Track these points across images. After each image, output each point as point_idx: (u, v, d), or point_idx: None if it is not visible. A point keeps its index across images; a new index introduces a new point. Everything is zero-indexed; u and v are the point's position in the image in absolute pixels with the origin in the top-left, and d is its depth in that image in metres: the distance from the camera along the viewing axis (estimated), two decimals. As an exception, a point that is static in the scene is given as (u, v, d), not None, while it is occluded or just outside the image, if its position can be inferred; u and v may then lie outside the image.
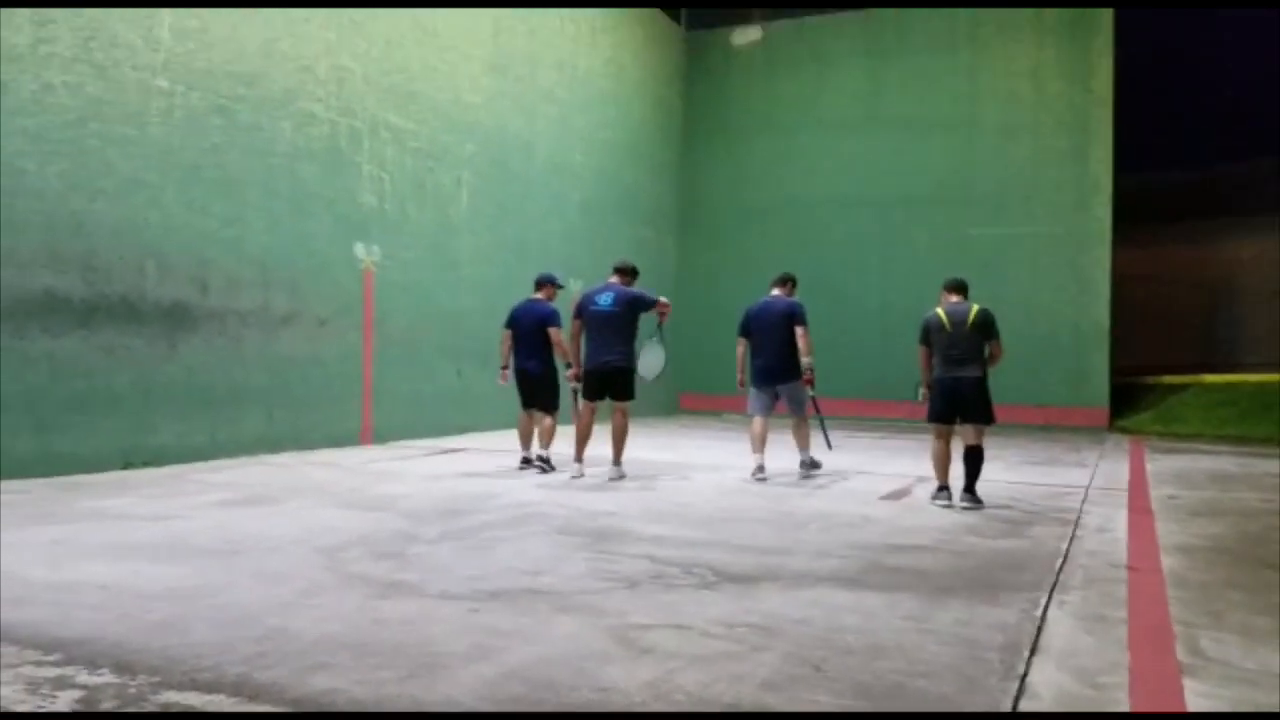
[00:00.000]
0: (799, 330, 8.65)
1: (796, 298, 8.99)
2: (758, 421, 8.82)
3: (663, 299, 8.53)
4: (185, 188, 8.76)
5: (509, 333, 9.05)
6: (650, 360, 8.91)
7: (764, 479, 8.52)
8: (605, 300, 8.39)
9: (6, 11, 7.32)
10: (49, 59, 7.64)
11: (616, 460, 8.44)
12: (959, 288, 7.67)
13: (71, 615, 3.81)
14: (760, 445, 8.71)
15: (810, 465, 8.91)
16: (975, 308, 7.46)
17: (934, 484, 7.58)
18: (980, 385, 7.37)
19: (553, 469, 8.74)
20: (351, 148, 10.68)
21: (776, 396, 8.88)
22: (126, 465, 8.20)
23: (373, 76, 10.94)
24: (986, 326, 7.37)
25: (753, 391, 8.96)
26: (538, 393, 8.97)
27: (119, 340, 8.19)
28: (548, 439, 8.88)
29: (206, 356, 8.99)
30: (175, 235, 8.67)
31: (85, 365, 7.92)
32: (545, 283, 9.21)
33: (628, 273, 8.69)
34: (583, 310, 8.51)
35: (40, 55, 7.58)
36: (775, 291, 9.02)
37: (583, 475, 8.35)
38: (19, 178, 7.44)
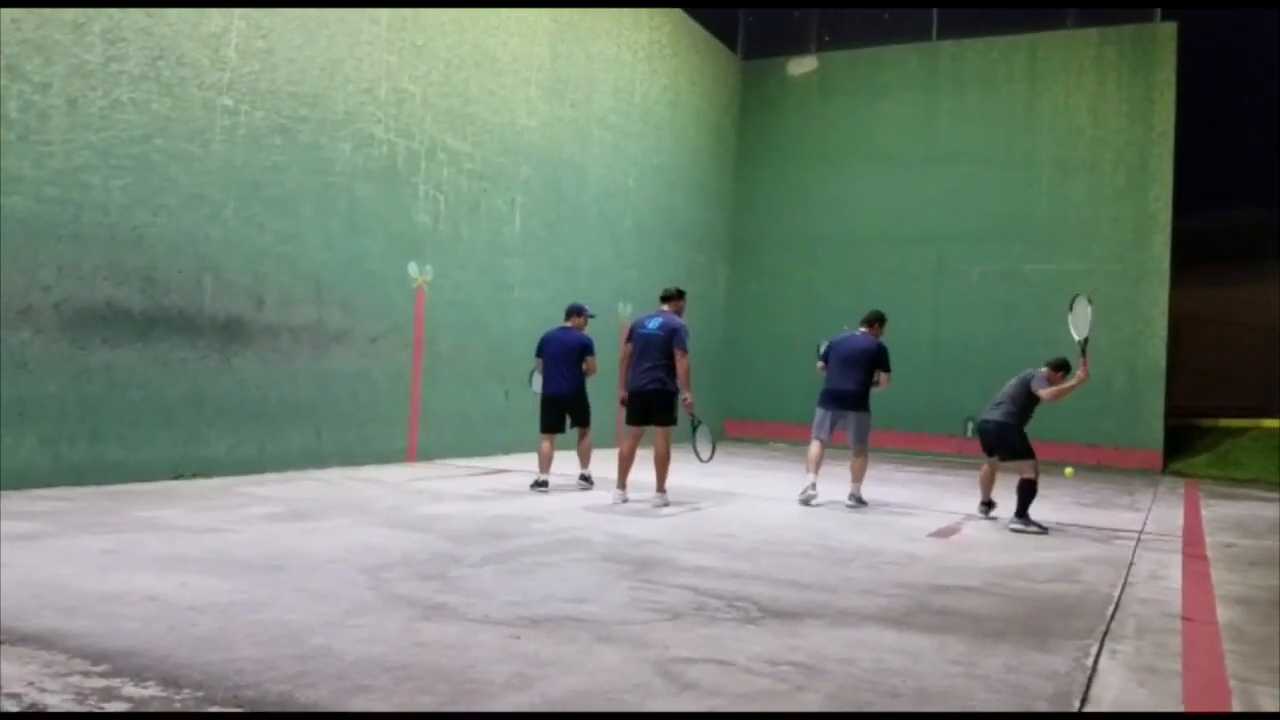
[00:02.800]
0: (884, 376, 8.96)
1: (884, 338, 9.17)
2: (816, 445, 9.06)
3: (688, 396, 8.34)
4: (245, 204, 8.92)
5: (540, 360, 9.28)
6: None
7: (814, 496, 8.76)
8: (652, 325, 8.47)
9: (81, 30, 7.51)
10: (118, 76, 7.83)
11: (660, 487, 8.42)
12: (1050, 362, 8.37)
13: (120, 626, 3.84)
14: (814, 467, 8.93)
15: (858, 501, 8.83)
16: (1028, 370, 8.37)
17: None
18: (1001, 428, 8.13)
19: (591, 485, 8.96)
20: (408, 168, 10.81)
21: (838, 423, 9.03)
22: (177, 476, 8.31)
23: (431, 99, 11.09)
24: (1024, 383, 8.22)
25: (819, 412, 9.15)
26: (571, 411, 9.15)
27: (175, 352, 8.33)
28: (586, 458, 9.18)
29: (259, 371, 9.11)
30: (233, 251, 8.82)
31: (141, 376, 8.06)
32: (576, 313, 9.35)
33: (672, 298, 8.75)
34: (632, 334, 8.61)
35: (110, 72, 7.77)
36: (863, 329, 9.21)
37: (625, 501, 8.35)
38: (84, 191, 7.61)
